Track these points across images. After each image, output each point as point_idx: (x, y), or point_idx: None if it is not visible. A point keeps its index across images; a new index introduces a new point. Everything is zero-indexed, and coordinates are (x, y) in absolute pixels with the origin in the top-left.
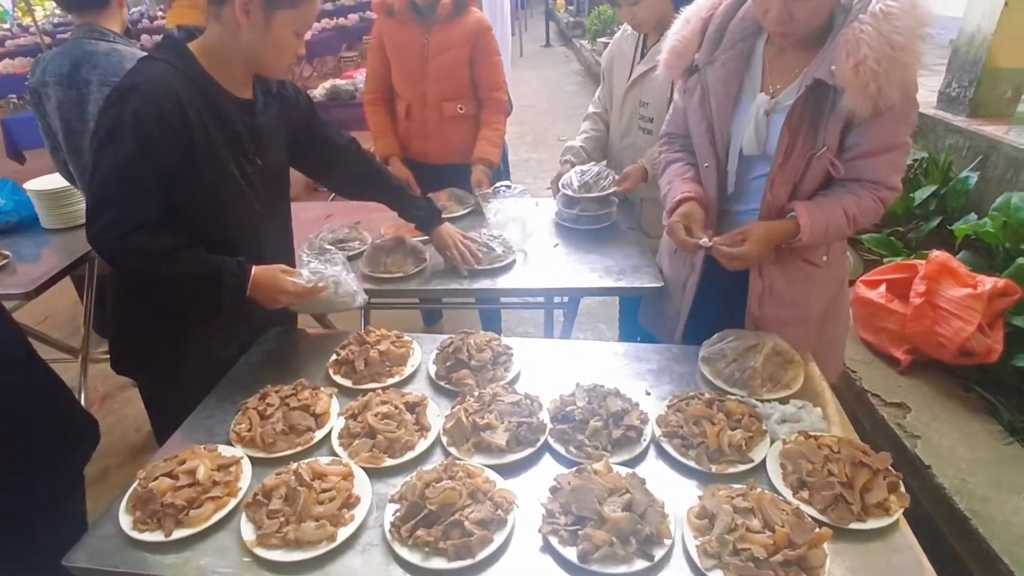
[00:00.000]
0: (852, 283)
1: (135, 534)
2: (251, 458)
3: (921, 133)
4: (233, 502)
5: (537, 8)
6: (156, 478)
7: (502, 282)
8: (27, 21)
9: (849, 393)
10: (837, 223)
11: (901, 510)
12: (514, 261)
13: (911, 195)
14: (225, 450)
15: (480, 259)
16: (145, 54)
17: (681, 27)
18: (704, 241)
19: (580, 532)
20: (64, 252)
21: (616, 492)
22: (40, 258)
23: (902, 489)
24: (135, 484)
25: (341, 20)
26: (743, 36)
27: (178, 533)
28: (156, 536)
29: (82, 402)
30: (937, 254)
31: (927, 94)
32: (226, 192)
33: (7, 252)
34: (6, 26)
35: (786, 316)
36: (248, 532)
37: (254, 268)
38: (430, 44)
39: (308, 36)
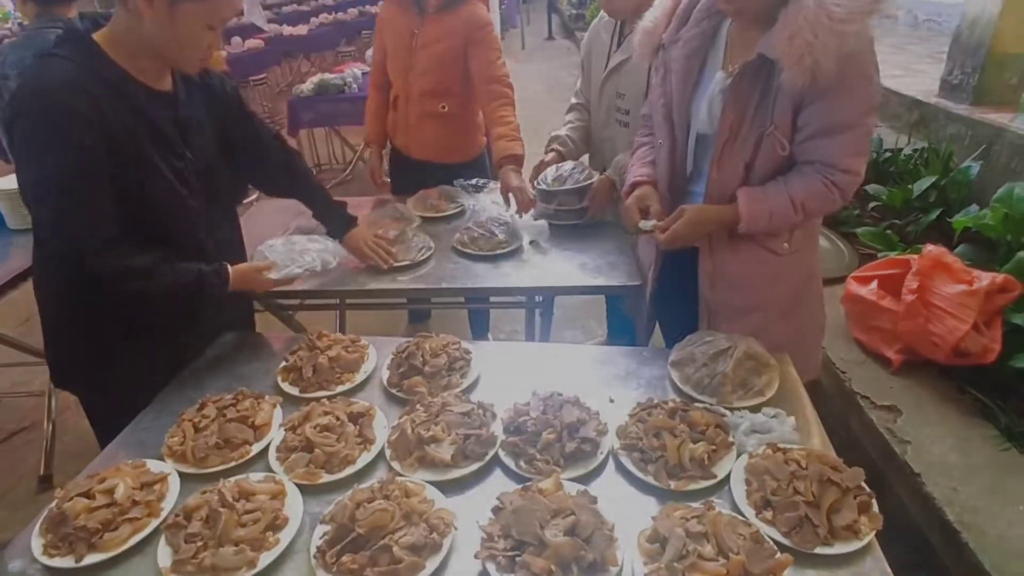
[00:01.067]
0: (844, 278)
1: (44, 559)
2: (183, 474)
3: (922, 123)
4: (154, 523)
5: (540, 1)
6: (72, 498)
7: (504, 269)
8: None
9: (838, 395)
10: (782, 209)
11: (872, 533)
12: (519, 248)
13: (909, 187)
14: (156, 465)
15: (392, 259)
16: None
17: (653, 9)
18: (643, 224)
19: (518, 559)
20: (28, 253)
21: (560, 514)
22: (4, 259)
23: (875, 509)
24: (52, 504)
25: (340, 15)
26: (708, 15)
27: (91, 558)
28: (67, 562)
29: (53, 407)
30: (931, 248)
31: (929, 82)
32: (156, 191)
33: None
34: (8, 25)
35: (741, 303)
36: (164, 557)
37: (231, 272)
38: (420, 35)
39: (305, 31)
